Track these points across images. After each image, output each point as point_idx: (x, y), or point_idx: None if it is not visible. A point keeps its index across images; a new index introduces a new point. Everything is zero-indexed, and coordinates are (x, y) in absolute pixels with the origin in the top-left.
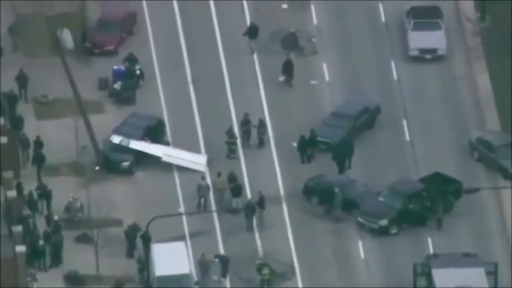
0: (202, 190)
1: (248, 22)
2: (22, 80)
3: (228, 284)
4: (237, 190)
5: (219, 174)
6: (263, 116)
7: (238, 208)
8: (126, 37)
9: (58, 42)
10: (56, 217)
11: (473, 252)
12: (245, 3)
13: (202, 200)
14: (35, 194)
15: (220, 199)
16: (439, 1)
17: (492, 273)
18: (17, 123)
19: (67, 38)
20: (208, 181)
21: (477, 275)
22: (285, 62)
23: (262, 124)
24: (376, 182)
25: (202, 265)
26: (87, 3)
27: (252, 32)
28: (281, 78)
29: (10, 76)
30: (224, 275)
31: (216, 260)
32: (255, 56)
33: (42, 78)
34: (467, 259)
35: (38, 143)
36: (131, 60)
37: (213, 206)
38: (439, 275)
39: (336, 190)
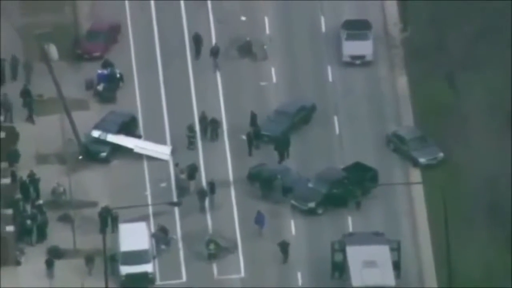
0: (180, 182)
1: (214, 37)
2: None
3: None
4: (192, 175)
5: (177, 164)
6: (220, 113)
7: (179, 202)
8: (111, 45)
9: (45, 54)
10: (40, 201)
11: (381, 231)
12: (210, 16)
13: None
14: (26, 181)
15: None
16: (368, 15)
17: (396, 249)
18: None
19: (53, 51)
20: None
21: (382, 251)
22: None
23: (215, 121)
24: (308, 170)
25: (156, 237)
26: (79, 17)
27: (215, 52)
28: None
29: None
30: (167, 244)
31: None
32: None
33: (40, 81)
34: (375, 237)
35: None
36: (109, 64)
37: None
38: (351, 251)
39: (278, 176)
